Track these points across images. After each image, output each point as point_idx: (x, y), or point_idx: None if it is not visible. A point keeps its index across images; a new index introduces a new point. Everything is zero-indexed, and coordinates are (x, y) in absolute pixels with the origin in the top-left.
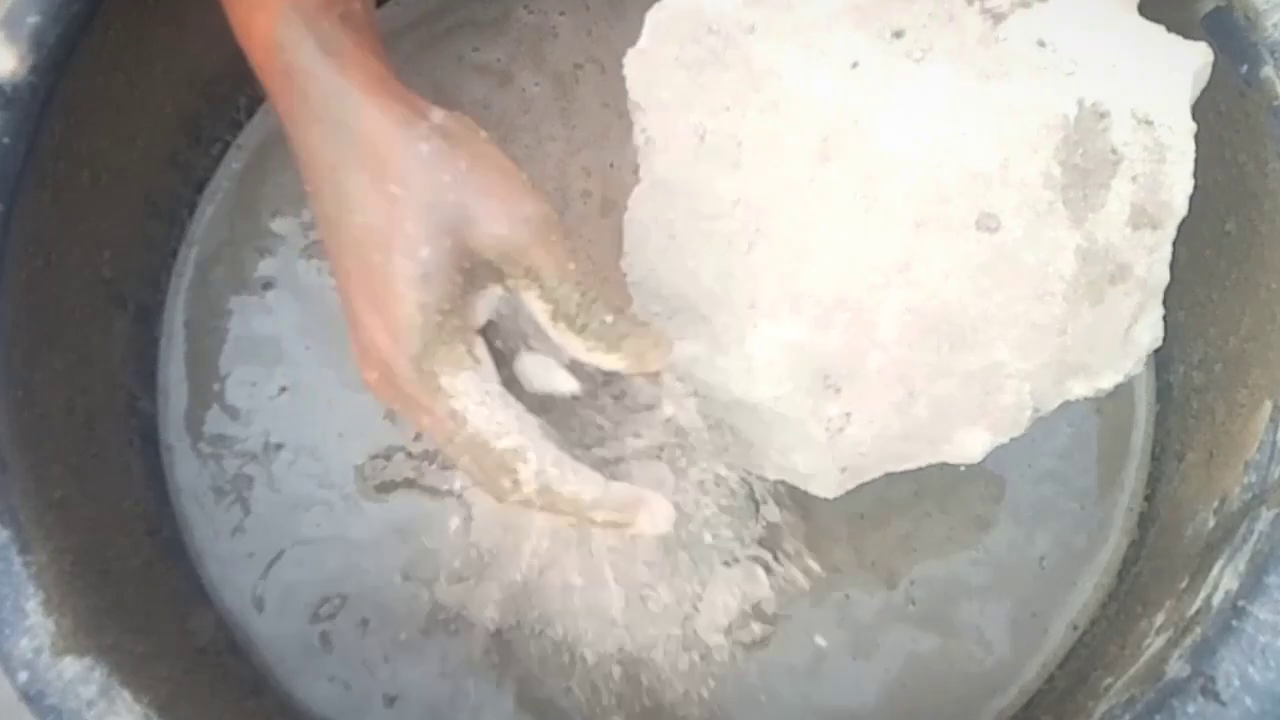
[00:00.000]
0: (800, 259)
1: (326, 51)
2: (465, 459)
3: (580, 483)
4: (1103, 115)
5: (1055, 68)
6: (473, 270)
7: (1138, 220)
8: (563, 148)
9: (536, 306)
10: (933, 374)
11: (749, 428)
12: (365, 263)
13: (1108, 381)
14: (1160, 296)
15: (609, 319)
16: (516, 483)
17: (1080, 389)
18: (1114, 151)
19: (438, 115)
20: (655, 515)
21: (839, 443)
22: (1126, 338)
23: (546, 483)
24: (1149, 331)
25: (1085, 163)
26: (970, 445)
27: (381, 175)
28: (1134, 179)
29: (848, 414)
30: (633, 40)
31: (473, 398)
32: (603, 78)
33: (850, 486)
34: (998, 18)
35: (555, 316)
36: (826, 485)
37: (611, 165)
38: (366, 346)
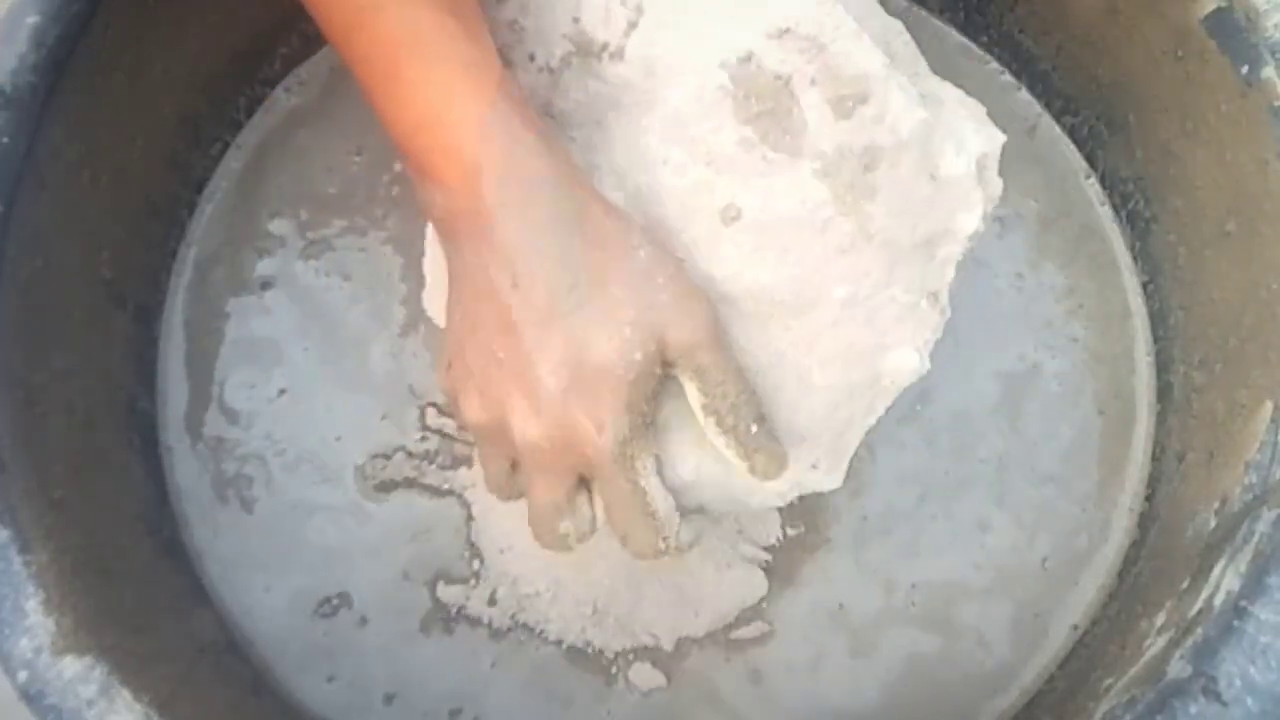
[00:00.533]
0: None
1: (546, 143)
2: (622, 520)
3: (687, 533)
4: (747, 58)
5: (688, 47)
6: (659, 374)
7: (841, 110)
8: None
9: (694, 399)
10: (804, 347)
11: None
12: (570, 355)
13: (971, 223)
14: (939, 120)
15: (754, 428)
16: (665, 541)
17: (953, 249)
18: (778, 77)
19: (639, 219)
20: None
21: (803, 445)
22: (938, 184)
23: (680, 541)
24: (961, 154)
25: (762, 105)
26: (905, 363)
27: (604, 278)
28: (812, 83)
29: (788, 419)
30: None
31: (654, 478)
32: None
33: (845, 465)
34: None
35: (708, 411)
36: (829, 479)
37: None
38: (536, 422)
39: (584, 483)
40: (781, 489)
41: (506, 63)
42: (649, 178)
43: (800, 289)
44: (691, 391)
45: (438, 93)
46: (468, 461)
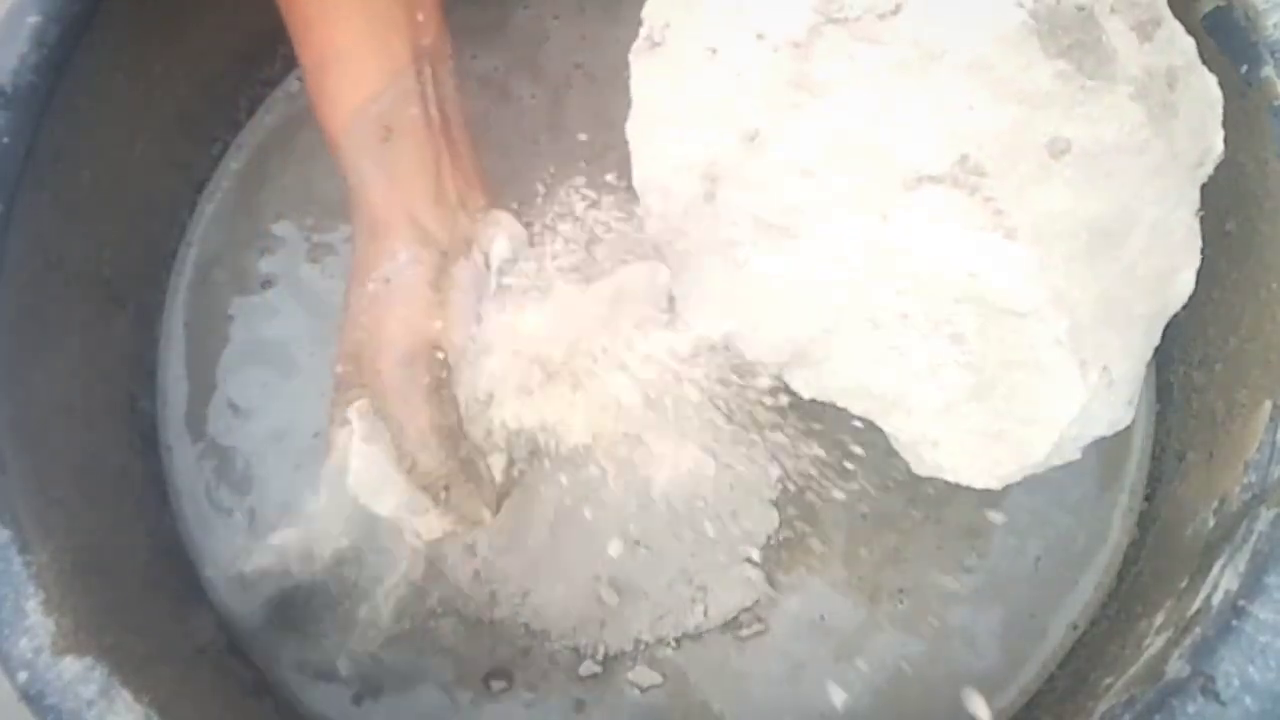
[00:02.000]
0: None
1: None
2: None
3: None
4: None
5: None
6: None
7: (1144, 33)
8: (548, 164)
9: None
10: (1125, 278)
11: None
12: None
13: (1219, 143)
14: (1197, 58)
15: (443, 489)
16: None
17: (1207, 168)
18: (1080, 8)
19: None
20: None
21: (1120, 385)
22: (1209, 104)
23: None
24: (1209, 81)
25: (1070, 37)
26: (1184, 288)
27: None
28: (1112, 10)
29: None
30: (627, 43)
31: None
32: (593, 87)
33: (1139, 382)
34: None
35: (399, 471)
36: (1129, 414)
37: (590, 188)
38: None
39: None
40: (1098, 432)
41: (715, 48)
42: (950, 124)
43: (1122, 215)
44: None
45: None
46: None
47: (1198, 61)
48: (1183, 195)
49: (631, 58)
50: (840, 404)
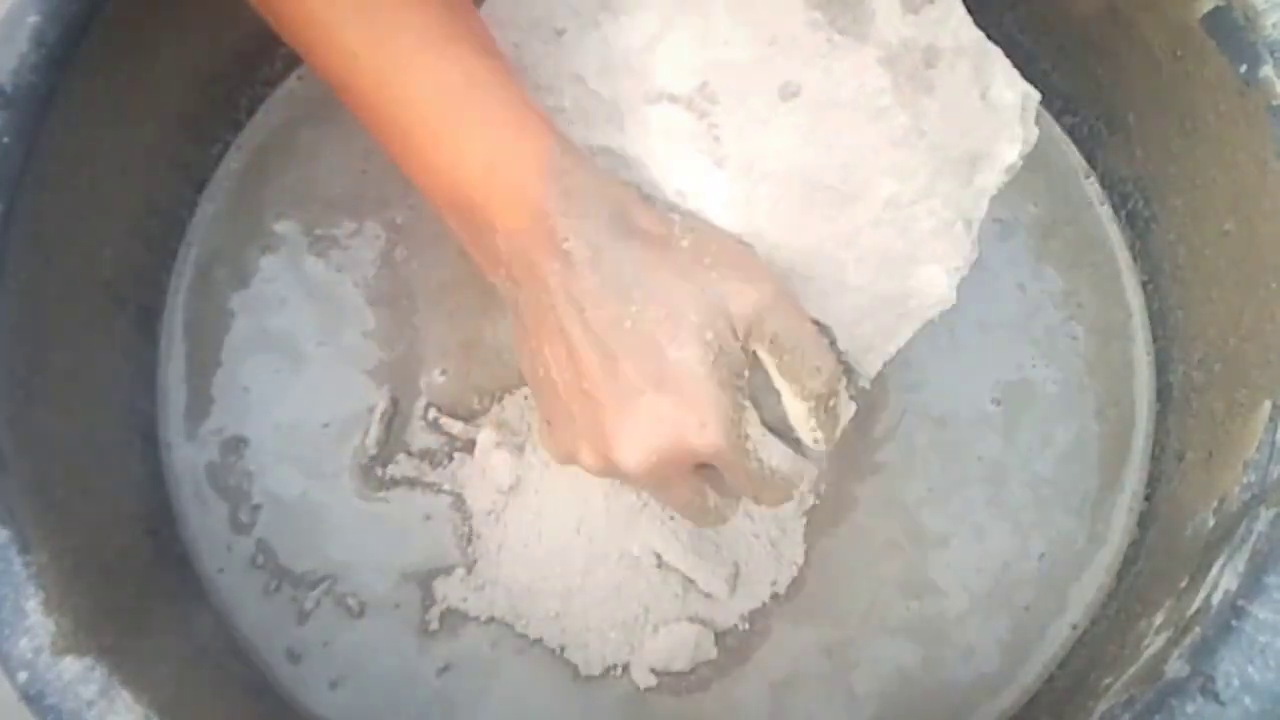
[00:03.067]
0: None
1: (594, 173)
2: (754, 492)
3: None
4: None
5: None
6: (740, 347)
7: (910, 6)
8: None
9: (771, 367)
10: (843, 241)
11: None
12: (649, 357)
13: (1010, 154)
14: (989, 52)
15: (831, 401)
16: (798, 489)
17: (990, 178)
18: None
19: (677, 215)
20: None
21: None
22: (988, 104)
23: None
24: (1009, 89)
25: None
26: (933, 287)
27: (658, 277)
28: None
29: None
30: None
31: (770, 443)
32: None
33: (862, 385)
34: None
35: (788, 377)
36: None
37: None
38: (638, 441)
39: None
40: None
41: None
42: (704, 54)
43: (848, 176)
44: (767, 360)
45: (494, 137)
46: (466, 460)
47: (983, 52)
48: (935, 184)
49: None
50: None
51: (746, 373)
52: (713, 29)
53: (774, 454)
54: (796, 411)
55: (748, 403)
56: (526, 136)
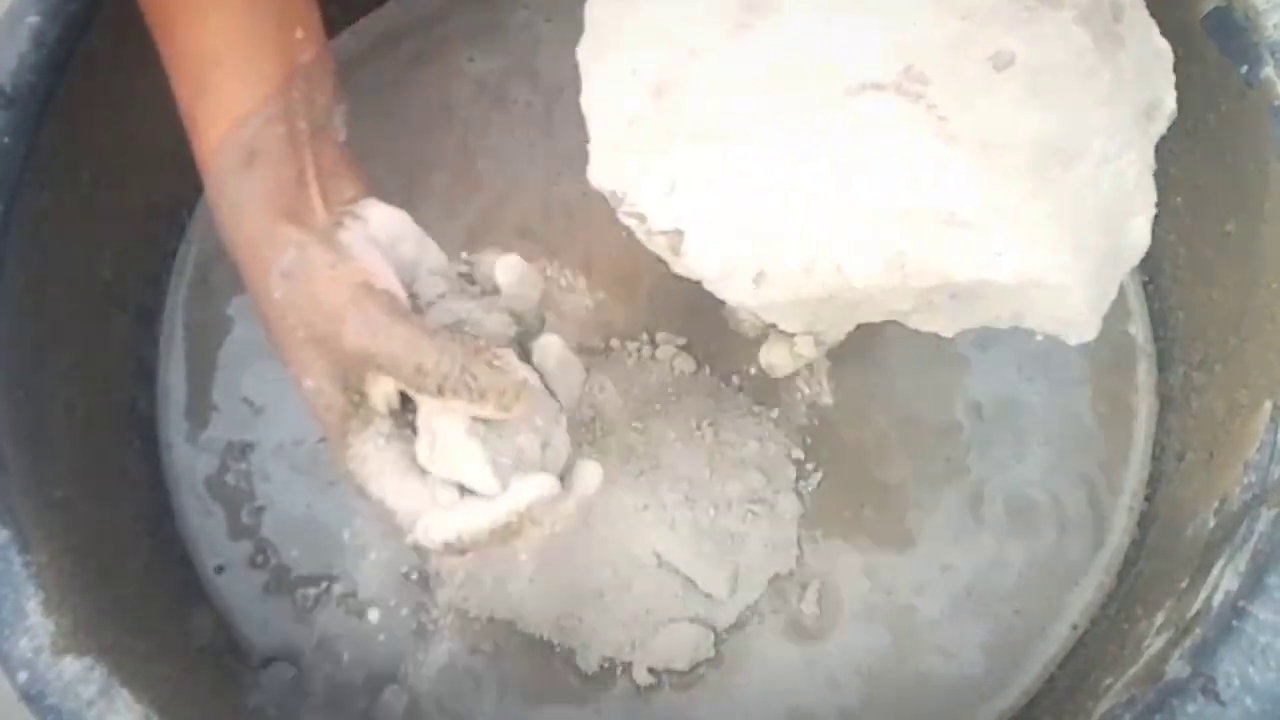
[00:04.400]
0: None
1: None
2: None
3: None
4: None
5: None
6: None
7: None
8: (542, 170)
9: (404, 396)
10: (1069, 204)
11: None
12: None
13: (1171, 101)
14: (1141, 2)
15: (470, 380)
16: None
17: (1159, 125)
18: None
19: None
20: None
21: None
22: (1155, 49)
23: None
24: (1160, 37)
25: None
26: (1139, 236)
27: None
28: None
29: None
30: None
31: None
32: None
33: (1103, 313)
34: None
35: (422, 392)
36: (1084, 329)
37: (584, 194)
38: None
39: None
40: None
41: None
42: (894, 38)
43: (1068, 136)
44: (393, 394)
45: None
46: None
47: (1143, 5)
48: (1133, 139)
49: None
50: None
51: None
52: (895, 12)
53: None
54: (456, 411)
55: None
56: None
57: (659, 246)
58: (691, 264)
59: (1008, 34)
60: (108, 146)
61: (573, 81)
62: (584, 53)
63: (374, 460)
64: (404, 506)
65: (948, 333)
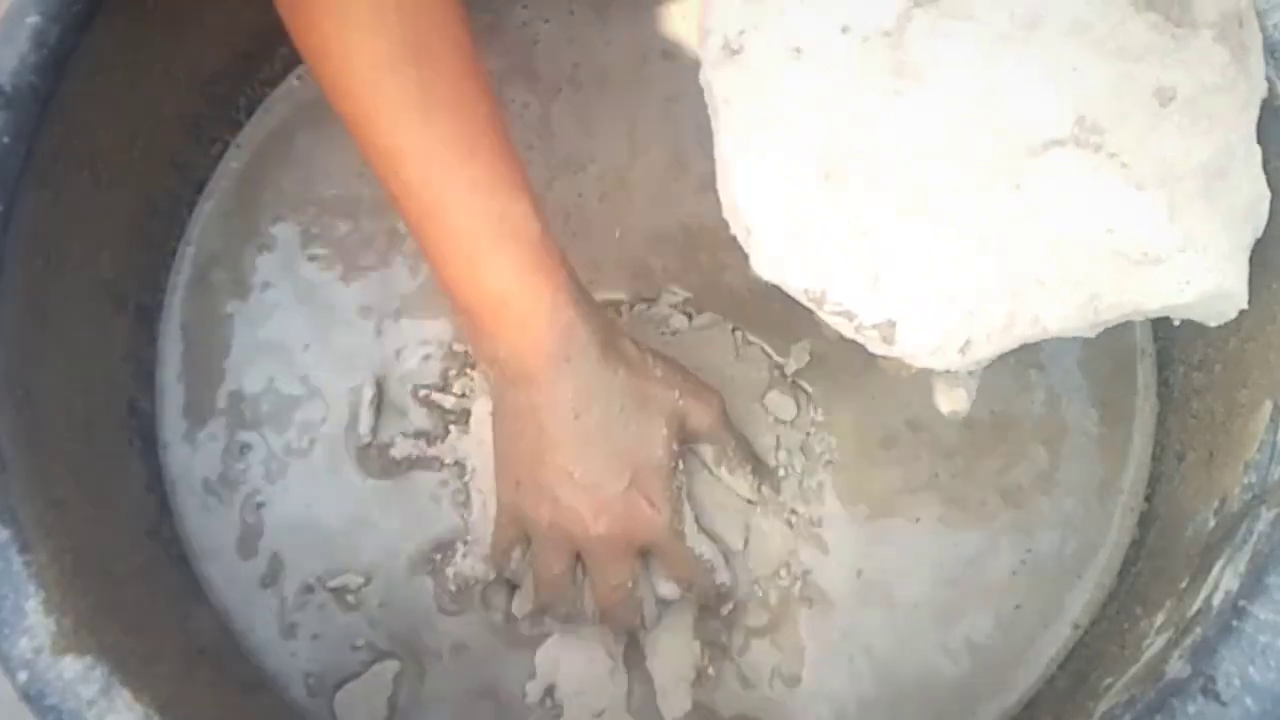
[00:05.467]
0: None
1: (594, 308)
2: (685, 576)
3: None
4: None
5: None
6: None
7: None
8: (541, 172)
9: (711, 457)
10: (1228, 211)
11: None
12: (625, 455)
13: (1264, 88)
14: None
15: (750, 469)
16: (722, 585)
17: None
18: None
19: (648, 349)
20: None
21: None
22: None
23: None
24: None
25: None
26: (1264, 212)
27: (641, 399)
28: None
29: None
30: (616, 44)
31: (698, 540)
32: (579, 95)
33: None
34: None
35: (723, 465)
36: (1228, 307)
37: (580, 195)
38: (605, 515)
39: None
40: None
41: (799, 48)
42: (1060, 87)
43: (1225, 152)
44: (708, 452)
45: (512, 276)
46: (464, 434)
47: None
48: (1251, 133)
49: (709, 70)
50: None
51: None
52: (1052, 62)
53: (703, 547)
54: (738, 485)
55: (686, 500)
56: (541, 279)
57: (870, 339)
58: (904, 349)
59: (1164, 68)
60: (108, 146)
61: (571, 82)
62: (726, 144)
63: (689, 523)
64: (712, 559)
65: (1091, 334)
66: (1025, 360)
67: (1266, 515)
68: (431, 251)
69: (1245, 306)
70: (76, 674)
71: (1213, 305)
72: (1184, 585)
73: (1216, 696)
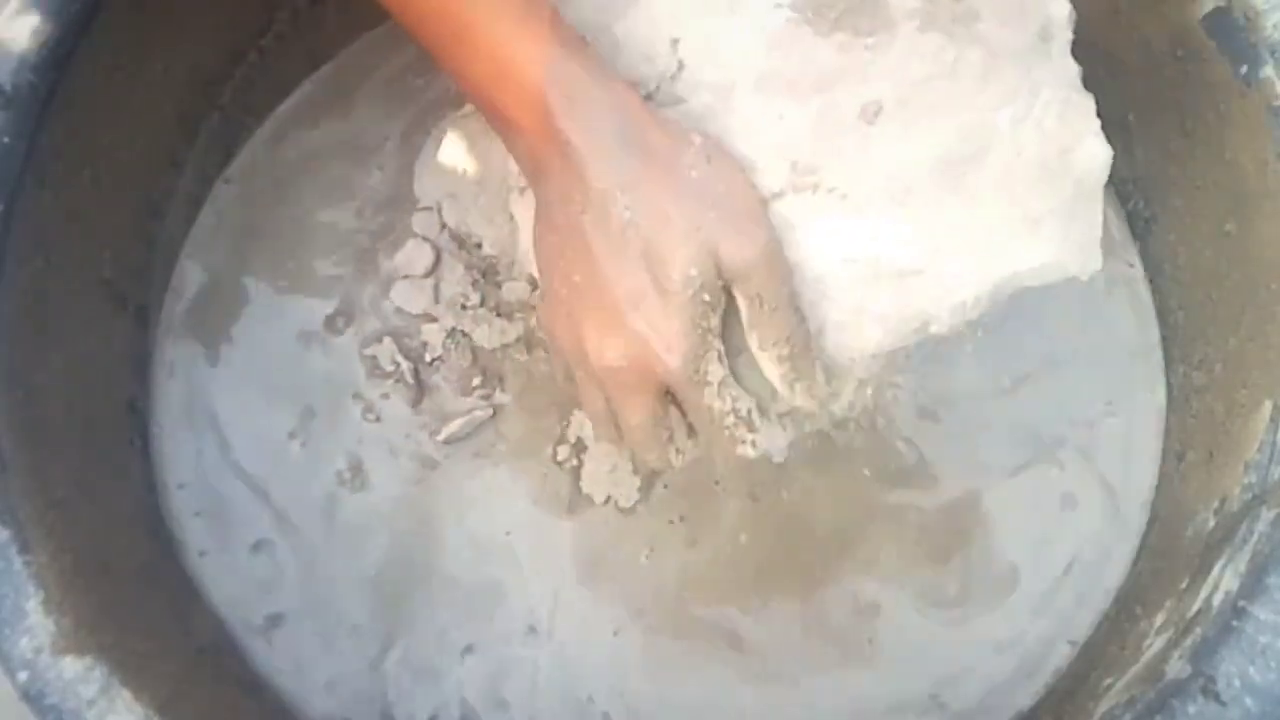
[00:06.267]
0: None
1: (603, 80)
2: (703, 433)
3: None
4: None
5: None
6: (721, 287)
7: None
8: None
9: (745, 318)
10: (1004, 184)
11: None
12: (633, 274)
13: (1063, 8)
14: None
15: (800, 361)
16: (745, 444)
17: (1061, 37)
18: None
19: (697, 139)
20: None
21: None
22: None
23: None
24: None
25: (837, 8)
26: (1094, 157)
27: (657, 194)
28: None
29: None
30: None
31: (730, 389)
32: None
33: (1097, 240)
34: None
35: (757, 333)
36: (1090, 265)
37: None
38: (610, 343)
39: (670, 398)
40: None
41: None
42: (769, 140)
43: (969, 134)
44: (744, 310)
45: (501, 47)
46: (456, 452)
47: None
48: (1040, 76)
49: None
50: None
51: (718, 313)
52: (757, 119)
53: (740, 402)
54: (763, 361)
55: (719, 344)
56: (528, 37)
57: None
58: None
59: (864, 83)
60: (108, 146)
61: None
62: None
63: (717, 368)
64: (746, 417)
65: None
66: (1025, 359)
67: (1266, 515)
68: (424, 35)
69: (1099, 267)
70: (76, 674)
71: (1046, 274)
72: (1184, 585)
73: (1216, 697)
